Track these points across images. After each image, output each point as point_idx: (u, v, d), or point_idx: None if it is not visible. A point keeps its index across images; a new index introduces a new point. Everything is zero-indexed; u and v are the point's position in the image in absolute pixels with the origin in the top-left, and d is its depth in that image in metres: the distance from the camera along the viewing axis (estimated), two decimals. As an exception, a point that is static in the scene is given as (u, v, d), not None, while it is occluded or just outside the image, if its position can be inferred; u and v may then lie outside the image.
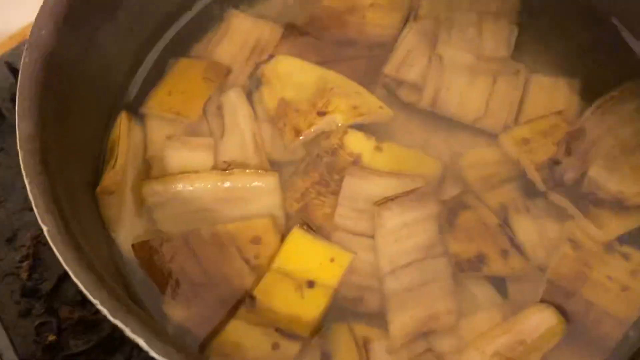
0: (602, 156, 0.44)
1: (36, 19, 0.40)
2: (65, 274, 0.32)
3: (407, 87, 0.48)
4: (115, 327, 0.31)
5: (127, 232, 0.43)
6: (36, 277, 0.50)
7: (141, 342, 0.30)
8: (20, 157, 0.35)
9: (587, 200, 0.43)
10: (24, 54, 0.38)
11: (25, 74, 0.37)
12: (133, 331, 0.30)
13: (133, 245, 0.42)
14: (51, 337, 0.47)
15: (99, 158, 0.46)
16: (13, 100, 0.46)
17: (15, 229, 0.53)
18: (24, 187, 0.34)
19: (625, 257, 0.42)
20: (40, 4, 0.40)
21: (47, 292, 0.50)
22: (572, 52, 0.49)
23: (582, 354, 0.39)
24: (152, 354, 0.30)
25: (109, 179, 0.44)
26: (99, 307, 0.31)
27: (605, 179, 0.43)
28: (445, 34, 0.49)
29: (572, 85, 0.47)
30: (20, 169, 0.35)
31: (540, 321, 0.40)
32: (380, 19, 0.50)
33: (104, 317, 0.31)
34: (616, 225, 0.43)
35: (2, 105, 0.57)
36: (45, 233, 0.33)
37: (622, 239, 0.42)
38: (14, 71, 0.56)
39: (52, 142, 0.37)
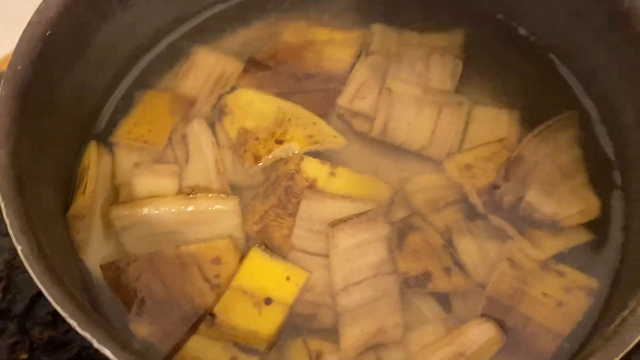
0: (539, 181, 0.45)
1: (13, 54, 0.40)
2: (37, 295, 0.33)
3: (360, 117, 0.48)
4: (83, 347, 0.32)
5: (95, 254, 0.44)
6: (9, 298, 0.49)
7: (108, 353, 0.30)
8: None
9: (525, 222, 0.44)
10: (0, 87, 0.38)
11: (2, 107, 0.38)
12: (100, 342, 0.31)
13: (101, 266, 0.43)
14: (23, 356, 0.48)
15: (70, 184, 0.46)
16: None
17: (-13, 254, 0.52)
18: (-1, 213, 0.34)
19: (560, 274, 0.43)
20: (16, 39, 0.41)
21: (20, 313, 0.49)
22: (512, 84, 0.49)
23: None
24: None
25: (78, 204, 0.44)
26: (68, 319, 0.31)
27: (541, 202, 0.44)
28: (395, 68, 0.49)
29: (512, 116, 0.48)
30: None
31: (479, 334, 0.40)
32: (335, 54, 0.51)
33: (74, 336, 0.31)
34: (552, 245, 0.44)
35: None
36: (20, 253, 0.34)
37: (557, 258, 0.43)
38: None
39: (26, 169, 0.38)
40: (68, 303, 0.32)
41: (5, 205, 0.35)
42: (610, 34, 0.44)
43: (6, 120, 0.38)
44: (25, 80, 0.40)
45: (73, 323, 0.31)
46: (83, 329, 0.31)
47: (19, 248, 0.33)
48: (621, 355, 0.31)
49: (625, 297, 0.37)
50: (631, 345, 0.31)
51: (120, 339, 0.34)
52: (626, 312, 0.33)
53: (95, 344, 0.31)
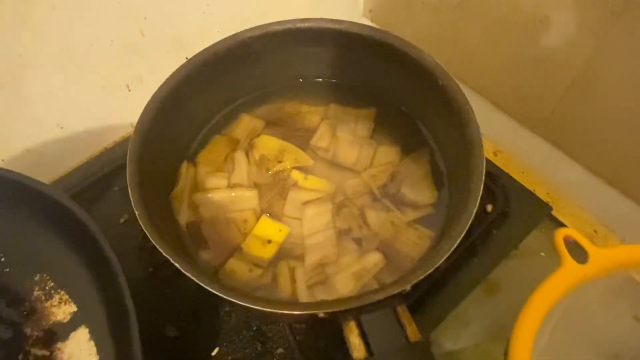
0: (408, 182, 0.44)
1: (140, 115, 0.39)
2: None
3: (321, 150, 0.47)
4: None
5: (183, 217, 0.43)
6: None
7: (180, 268, 0.30)
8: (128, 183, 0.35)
9: (400, 203, 0.43)
10: (132, 134, 0.38)
11: (132, 144, 0.37)
12: (180, 266, 0.30)
13: (187, 223, 0.42)
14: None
15: (172, 181, 0.45)
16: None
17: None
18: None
19: (416, 229, 0.42)
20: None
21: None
22: (396, 135, 0.48)
23: (393, 274, 0.39)
24: (189, 275, 0.30)
25: (176, 191, 0.44)
26: (164, 254, 0.31)
27: (408, 193, 0.43)
28: (340, 126, 0.48)
29: (396, 150, 0.47)
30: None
31: (374, 258, 0.39)
32: (311, 118, 0.50)
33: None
34: (412, 214, 0.43)
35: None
36: (137, 216, 0.33)
37: (415, 221, 0.42)
38: None
39: (146, 174, 0.37)
40: (165, 247, 0.31)
41: (131, 194, 0.34)
42: (439, 107, 0.42)
43: (134, 149, 0.37)
44: (146, 129, 0.39)
45: (169, 257, 0.31)
46: (174, 260, 0.31)
47: (136, 212, 0.33)
48: (431, 270, 0.30)
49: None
50: (437, 265, 0.30)
51: (192, 263, 0.34)
52: (437, 247, 0.33)
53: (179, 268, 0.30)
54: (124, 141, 0.59)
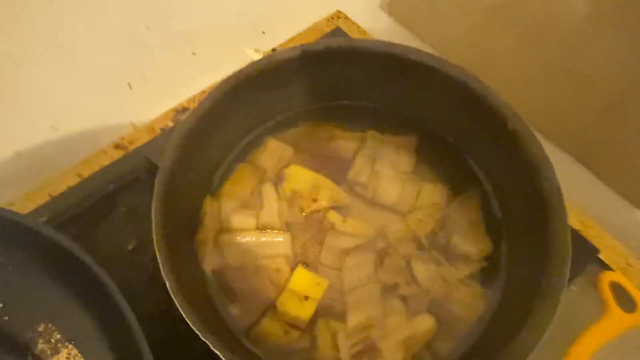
0: (458, 230, 0.41)
1: (165, 152, 0.35)
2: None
3: (359, 186, 0.43)
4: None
5: (209, 264, 0.39)
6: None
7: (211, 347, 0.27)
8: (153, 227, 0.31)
9: (450, 255, 0.40)
10: (158, 174, 0.34)
11: (157, 184, 0.33)
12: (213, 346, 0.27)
13: (212, 271, 0.38)
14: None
15: (195, 222, 0.41)
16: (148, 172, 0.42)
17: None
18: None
19: (470, 286, 0.38)
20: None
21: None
22: (444, 170, 0.44)
23: (447, 342, 0.36)
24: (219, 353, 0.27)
25: (200, 233, 0.40)
26: (196, 332, 0.28)
27: (460, 243, 0.40)
28: (379, 157, 0.44)
29: (444, 189, 0.43)
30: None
31: (424, 323, 0.36)
32: (346, 146, 0.46)
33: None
34: (465, 269, 0.39)
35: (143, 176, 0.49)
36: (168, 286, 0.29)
37: (468, 277, 0.39)
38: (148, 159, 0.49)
39: (169, 215, 0.33)
40: (197, 323, 0.28)
41: (156, 243, 0.30)
42: (500, 149, 0.39)
43: (159, 188, 0.33)
44: (170, 166, 0.35)
45: (199, 334, 0.27)
46: (205, 338, 0.27)
47: (167, 283, 0.29)
48: None
49: (507, 307, 0.33)
50: None
51: (222, 333, 0.31)
52: (518, 337, 0.28)
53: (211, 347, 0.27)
54: (131, 154, 0.53)
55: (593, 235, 0.49)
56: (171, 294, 0.29)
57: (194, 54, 0.54)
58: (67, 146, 0.52)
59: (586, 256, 0.46)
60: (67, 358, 0.36)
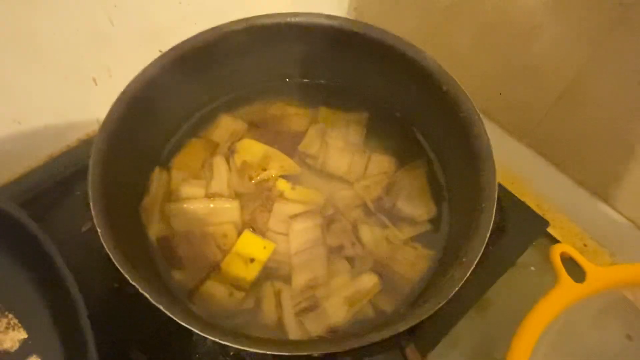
0: (404, 195, 0.42)
1: (108, 113, 0.35)
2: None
3: (310, 157, 0.44)
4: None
5: (154, 231, 0.39)
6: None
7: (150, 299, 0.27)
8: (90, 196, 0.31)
9: (395, 218, 0.41)
10: (97, 134, 0.34)
11: (97, 145, 0.33)
12: (149, 297, 0.27)
13: (157, 238, 0.38)
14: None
15: (142, 190, 0.41)
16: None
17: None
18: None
19: (414, 248, 0.39)
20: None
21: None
22: (392, 142, 0.46)
23: (390, 299, 0.36)
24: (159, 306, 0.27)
25: (146, 201, 0.40)
26: (131, 282, 0.28)
27: (405, 207, 0.41)
28: (330, 131, 0.46)
29: (390, 159, 0.44)
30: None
31: (369, 281, 0.37)
32: (298, 122, 0.47)
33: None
34: (409, 231, 0.40)
35: None
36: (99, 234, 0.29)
37: (412, 239, 0.40)
38: None
39: (112, 183, 0.33)
40: (131, 272, 0.28)
41: (93, 206, 0.30)
42: (439, 114, 0.40)
43: (99, 150, 0.33)
44: (115, 129, 0.35)
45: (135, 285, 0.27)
46: (141, 289, 0.27)
47: (99, 231, 0.29)
48: (443, 303, 0.27)
49: (447, 263, 0.34)
50: (449, 297, 0.28)
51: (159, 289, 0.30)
52: (447, 276, 0.30)
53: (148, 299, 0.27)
54: (89, 140, 0.54)
55: (550, 217, 0.51)
56: (109, 252, 0.28)
57: (160, 51, 0.55)
58: (31, 141, 0.51)
59: (538, 228, 0.49)
60: (6, 327, 0.35)
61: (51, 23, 0.45)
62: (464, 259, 0.28)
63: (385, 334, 0.24)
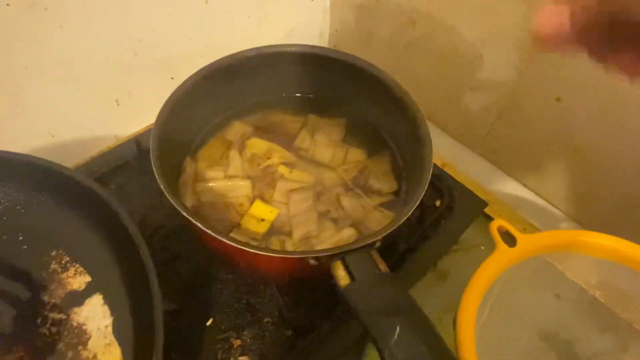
0: (374, 175, 0.52)
1: (157, 115, 0.44)
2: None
3: (303, 150, 0.54)
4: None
5: (188, 201, 0.48)
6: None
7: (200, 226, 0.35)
8: (154, 169, 0.39)
9: (368, 191, 0.51)
10: (152, 130, 0.43)
11: (153, 139, 0.43)
12: (201, 225, 0.35)
13: (191, 206, 0.47)
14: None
15: (178, 172, 0.50)
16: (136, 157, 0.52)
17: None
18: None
19: (381, 211, 0.49)
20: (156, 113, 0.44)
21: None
22: (364, 139, 0.55)
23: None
24: (204, 229, 0.35)
25: (181, 180, 0.49)
26: (186, 216, 0.36)
27: (375, 183, 0.51)
28: (317, 131, 0.56)
29: (363, 151, 0.54)
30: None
31: (348, 233, 0.46)
32: (292, 126, 0.57)
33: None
34: (377, 200, 0.50)
35: (131, 160, 0.58)
36: (162, 188, 0.38)
37: (380, 205, 0.50)
38: (138, 145, 0.58)
39: (165, 165, 0.42)
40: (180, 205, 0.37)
41: (158, 178, 0.39)
42: (396, 116, 0.50)
43: (155, 147, 0.42)
44: (162, 127, 0.44)
45: (179, 209, 0.36)
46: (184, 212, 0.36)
47: (162, 186, 0.38)
48: (395, 226, 0.37)
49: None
50: (398, 224, 0.38)
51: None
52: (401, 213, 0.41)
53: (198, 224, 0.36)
54: (109, 152, 0.62)
55: (497, 209, 0.58)
56: (170, 198, 0.37)
57: (172, 78, 0.63)
58: (61, 152, 0.59)
59: (479, 207, 0.61)
60: (74, 273, 0.45)
61: (88, 54, 0.54)
62: (410, 202, 0.40)
63: (360, 243, 0.36)
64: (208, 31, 0.64)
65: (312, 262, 0.36)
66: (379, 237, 0.36)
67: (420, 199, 0.40)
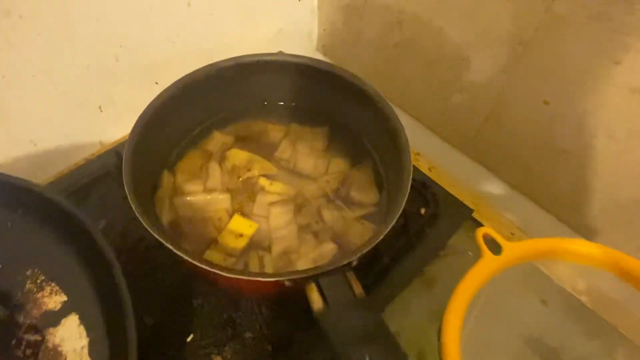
0: (355, 186, 0.51)
1: (132, 128, 0.44)
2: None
3: (283, 160, 0.53)
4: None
5: (165, 216, 0.48)
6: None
7: (172, 249, 0.34)
8: (125, 186, 0.39)
9: (349, 203, 0.50)
10: (126, 144, 0.42)
11: (126, 153, 0.42)
12: (172, 247, 0.35)
13: (168, 222, 0.47)
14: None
15: (154, 186, 0.50)
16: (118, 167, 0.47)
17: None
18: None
19: (362, 223, 0.48)
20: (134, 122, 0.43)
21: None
22: (347, 148, 0.55)
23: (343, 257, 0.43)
24: (175, 251, 0.34)
25: (158, 194, 0.49)
26: (157, 237, 0.35)
27: (356, 195, 0.50)
28: (299, 141, 0.55)
29: (346, 161, 0.53)
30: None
31: (329, 247, 0.45)
32: (274, 135, 0.56)
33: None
34: (359, 212, 0.49)
35: (113, 169, 0.58)
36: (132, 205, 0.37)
37: (361, 217, 0.49)
38: (119, 154, 0.56)
39: (138, 179, 0.42)
40: (151, 225, 0.36)
41: (129, 195, 0.39)
42: (377, 125, 0.50)
43: (128, 160, 0.42)
44: (136, 140, 0.44)
45: (152, 233, 0.36)
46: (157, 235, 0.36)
47: (133, 206, 0.38)
48: (371, 246, 0.36)
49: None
50: (376, 242, 0.37)
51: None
52: (377, 231, 0.41)
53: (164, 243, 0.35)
54: (94, 159, 0.62)
55: (484, 212, 0.58)
56: (139, 217, 0.36)
57: (156, 83, 0.62)
58: (43, 160, 0.59)
59: (465, 214, 0.60)
60: (49, 293, 0.44)
61: (68, 61, 0.53)
62: (388, 219, 0.40)
63: (334, 265, 0.35)
64: (192, 34, 0.64)
65: (287, 283, 0.36)
66: (354, 258, 0.36)
67: (396, 219, 0.39)
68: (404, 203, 0.41)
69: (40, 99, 0.54)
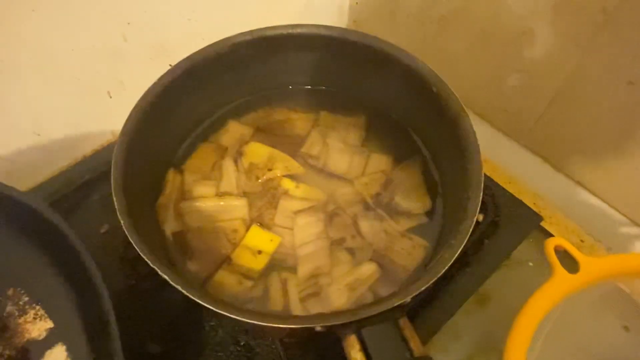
0: (400, 191, 0.44)
1: (126, 120, 0.38)
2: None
3: (312, 158, 0.47)
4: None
5: (169, 227, 0.42)
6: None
7: (169, 280, 0.29)
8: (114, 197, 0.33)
9: (393, 212, 0.43)
10: (118, 139, 0.37)
11: (117, 148, 0.36)
12: (168, 278, 0.29)
13: (172, 233, 0.41)
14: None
15: (158, 189, 0.44)
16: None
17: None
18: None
19: (410, 238, 0.41)
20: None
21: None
22: (389, 142, 0.48)
23: (387, 285, 0.38)
24: (178, 287, 0.29)
25: (161, 200, 0.42)
26: (151, 265, 0.29)
27: (402, 202, 0.43)
28: (330, 133, 0.48)
29: (388, 158, 0.46)
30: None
31: (368, 269, 0.39)
32: (301, 126, 0.49)
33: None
34: (406, 223, 0.42)
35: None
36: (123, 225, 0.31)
37: (409, 230, 0.42)
38: None
39: (131, 182, 0.36)
40: (152, 257, 0.30)
41: (117, 206, 0.33)
42: (432, 114, 0.42)
43: (120, 153, 0.36)
44: (133, 134, 0.38)
45: (155, 268, 0.29)
46: (161, 271, 0.29)
47: (121, 220, 0.31)
48: (434, 280, 0.29)
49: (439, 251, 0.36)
50: (439, 275, 0.30)
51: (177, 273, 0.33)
52: (437, 257, 0.32)
53: (166, 278, 0.29)
54: (104, 149, 0.57)
55: (547, 215, 0.53)
56: (132, 241, 0.31)
57: (170, 65, 0.58)
58: (49, 152, 0.54)
59: (532, 222, 0.51)
60: (34, 318, 0.38)
61: (70, 42, 0.49)
62: (452, 242, 0.30)
63: (381, 307, 0.27)
64: (209, 10, 0.57)
65: (318, 329, 0.27)
66: (408, 297, 0.27)
67: (469, 235, 0.30)
68: (475, 219, 0.31)
69: (42, 84, 0.49)
